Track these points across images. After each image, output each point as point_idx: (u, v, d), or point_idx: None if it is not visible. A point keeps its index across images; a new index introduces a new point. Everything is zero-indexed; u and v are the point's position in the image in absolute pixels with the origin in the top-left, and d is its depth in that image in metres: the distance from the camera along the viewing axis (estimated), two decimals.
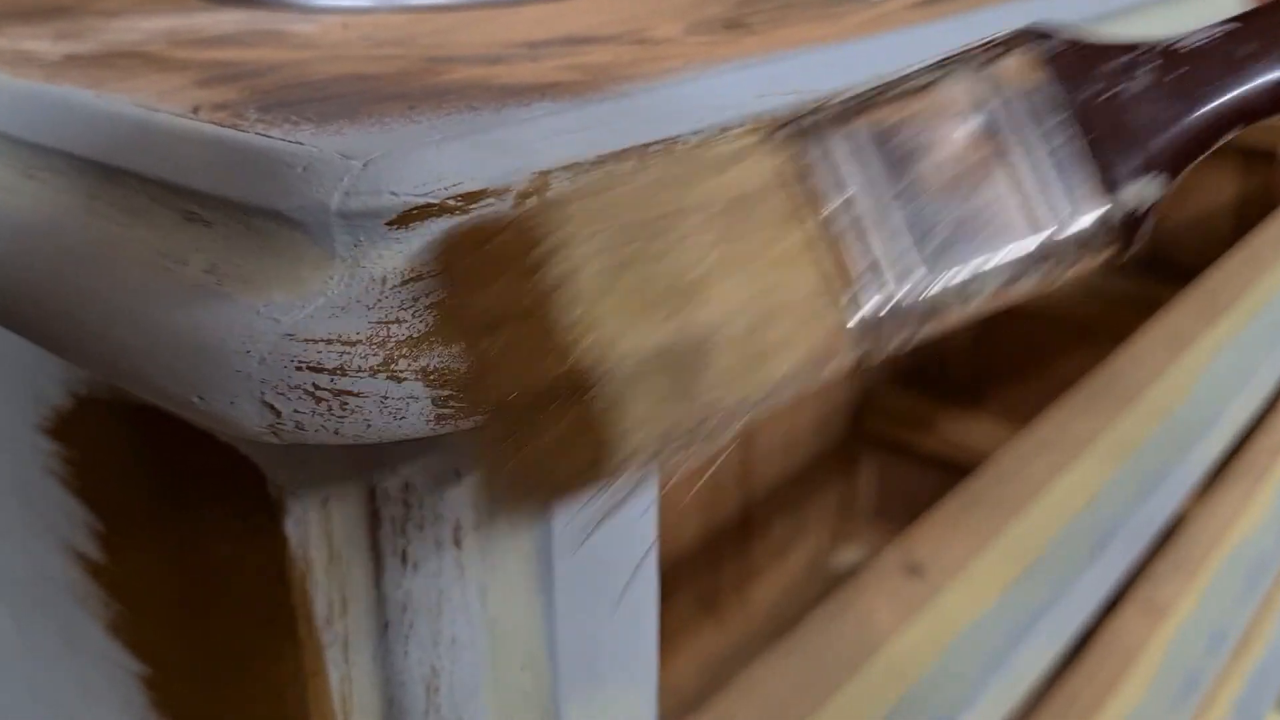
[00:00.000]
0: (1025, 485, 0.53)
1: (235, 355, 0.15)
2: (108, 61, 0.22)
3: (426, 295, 0.15)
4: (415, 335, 0.15)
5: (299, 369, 0.15)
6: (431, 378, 0.15)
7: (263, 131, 0.17)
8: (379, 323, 0.15)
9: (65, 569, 0.27)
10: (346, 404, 0.15)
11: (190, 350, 0.16)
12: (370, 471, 0.19)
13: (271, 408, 0.15)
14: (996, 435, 1.34)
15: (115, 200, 0.18)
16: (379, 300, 0.15)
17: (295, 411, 0.15)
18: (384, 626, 0.21)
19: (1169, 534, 0.87)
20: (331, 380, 0.15)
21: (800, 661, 0.43)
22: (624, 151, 0.18)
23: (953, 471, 1.44)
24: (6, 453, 0.28)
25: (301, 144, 0.16)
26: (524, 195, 0.17)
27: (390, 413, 0.15)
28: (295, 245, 0.16)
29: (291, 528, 0.20)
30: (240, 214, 0.16)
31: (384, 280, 0.16)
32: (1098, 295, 1.28)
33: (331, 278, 0.16)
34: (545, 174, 0.17)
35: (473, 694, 0.21)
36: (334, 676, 0.22)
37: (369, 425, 0.15)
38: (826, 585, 1.51)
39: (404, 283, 0.16)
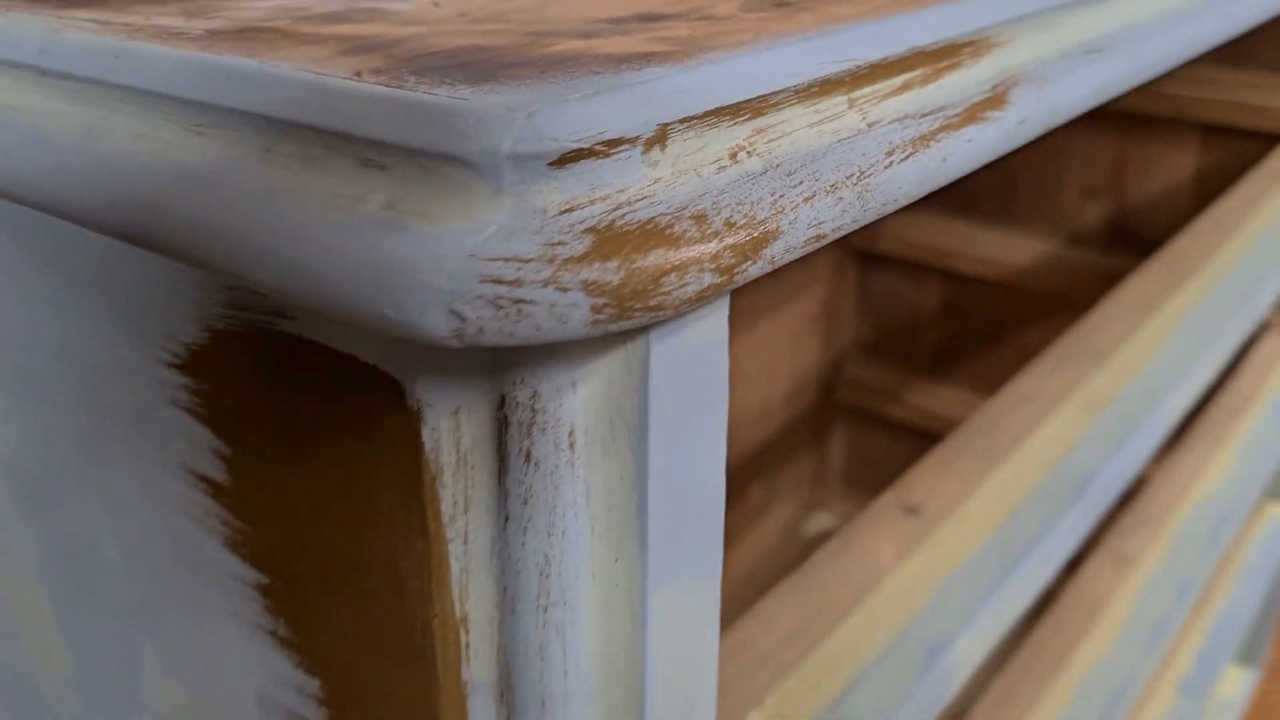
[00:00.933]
0: (1009, 435, 0.57)
1: (427, 272, 0.18)
2: (249, 35, 0.25)
3: (579, 223, 0.19)
4: (575, 255, 0.18)
5: (483, 281, 0.18)
6: (590, 288, 0.18)
7: (427, 90, 0.20)
8: (546, 244, 0.18)
9: (184, 492, 0.31)
10: (521, 310, 0.18)
11: (383, 270, 0.19)
12: (502, 383, 0.23)
13: (458, 315, 0.18)
14: (966, 404, 1.39)
15: (291, 151, 0.22)
16: (542, 226, 0.19)
17: (478, 318, 0.18)
18: (504, 520, 0.24)
19: (1136, 488, 0.92)
20: (510, 290, 0.18)
21: (810, 593, 0.47)
22: (723, 109, 0.22)
23: (923, 439, 1.49)
24: (127, 388, 0.31)
25: (466, 100, 0.20)
26: (649, 143, 0.20)
27: (556, 317, 0.18)
28: (468, 183, 0.19)
29: (427, 436, 0.23)
30: (417, 159, 0.20)
31: (544, 210, 0.19)
32: (1064, 268, 1.32)
33: (501, 209, 0.19)
34: (665, 125, 0.20)
35: (576, 580, 0.25)
36: (454, 568, 0.25)
37: (538, 328, 0.18)
38: (800, 551, 1.55)
39: (560, 213, 0.19)
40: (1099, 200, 1.34)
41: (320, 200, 0.21)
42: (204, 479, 0.30)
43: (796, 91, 0.24)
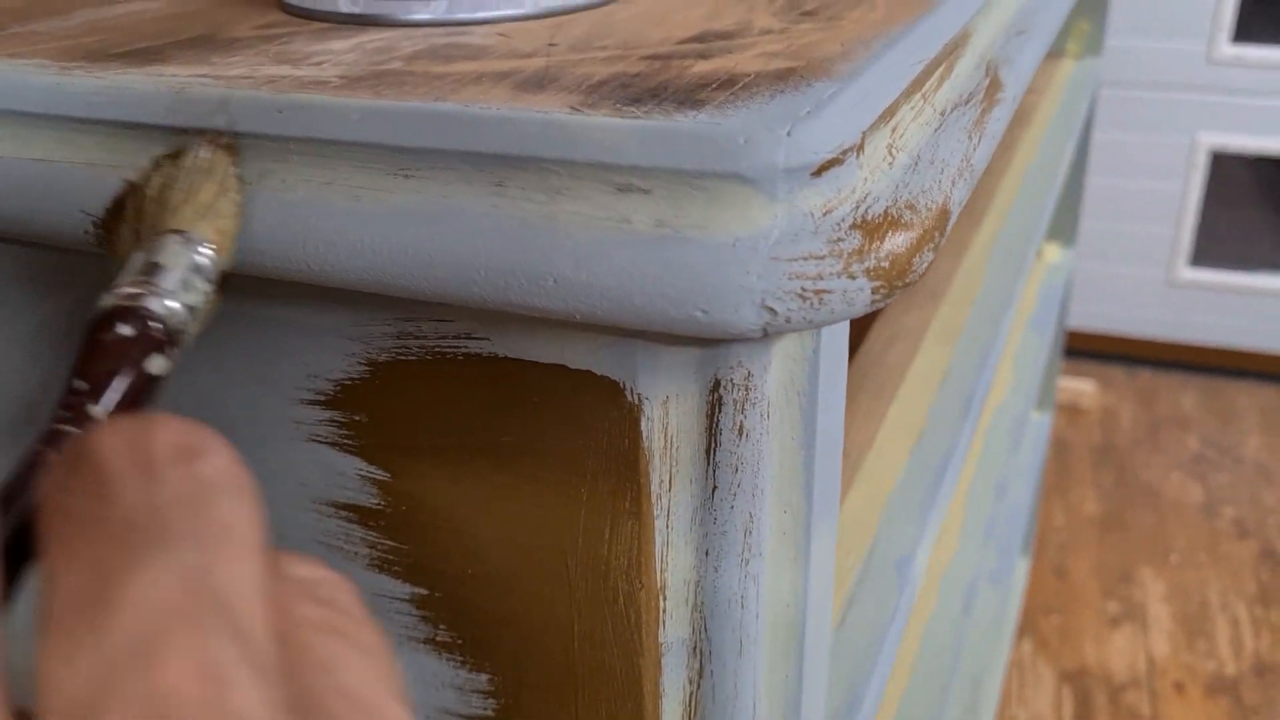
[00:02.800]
0: (891, 371, 0.64)
1: (737, 275, 0.21)
2: (385, 78, 0.27)
3: (843, 220, 0.22)
4: (855, 248, 0.22)
5: (791, 279, 0.21)
6: (871, 274, 0.22)
7: (665, 119, 0.23)
8: (830, 241, 0.22)
9: (315, 524, 0.32)
10: (823, 299, 0.22)
11: (688, 276, 0.22)
12: (717, 369, 0.26)
13: (770, 309, 0.22)
14: None
15: (528, 184, 0.24)
16: (818, 227, 0.22)
17: (787, 310, 0.22)
18: (712, 490, 0.27)
19: None
20: (814, 283, 0.22)
21: None
22: (883, 114, 0.26)
23: None
24: (242, 435, 0.31)
25: (721, 124, 0.23)
26: (858, 149, 0.24)
27: (847, 302, 0.22)
28: (745, 197, 0.22)
29: (644, 426, 0.26)
30: (685, 179, 0.23)
31: (813, 214, 0.22)
32: None
33: (778, 216, 0.22)
34: (864, 132, 0.24)
35: (767, 533, 0.28)
36: (658, 542, 0.28)
37: (833, 312, 0.22)
38: None
39: (824, 214, 0.22)
40: None
41: (580, 224, 0.23)
42: (346, 507, 0.31)
43: (903, 93, 0.28)
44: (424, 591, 0.31)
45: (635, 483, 0.27)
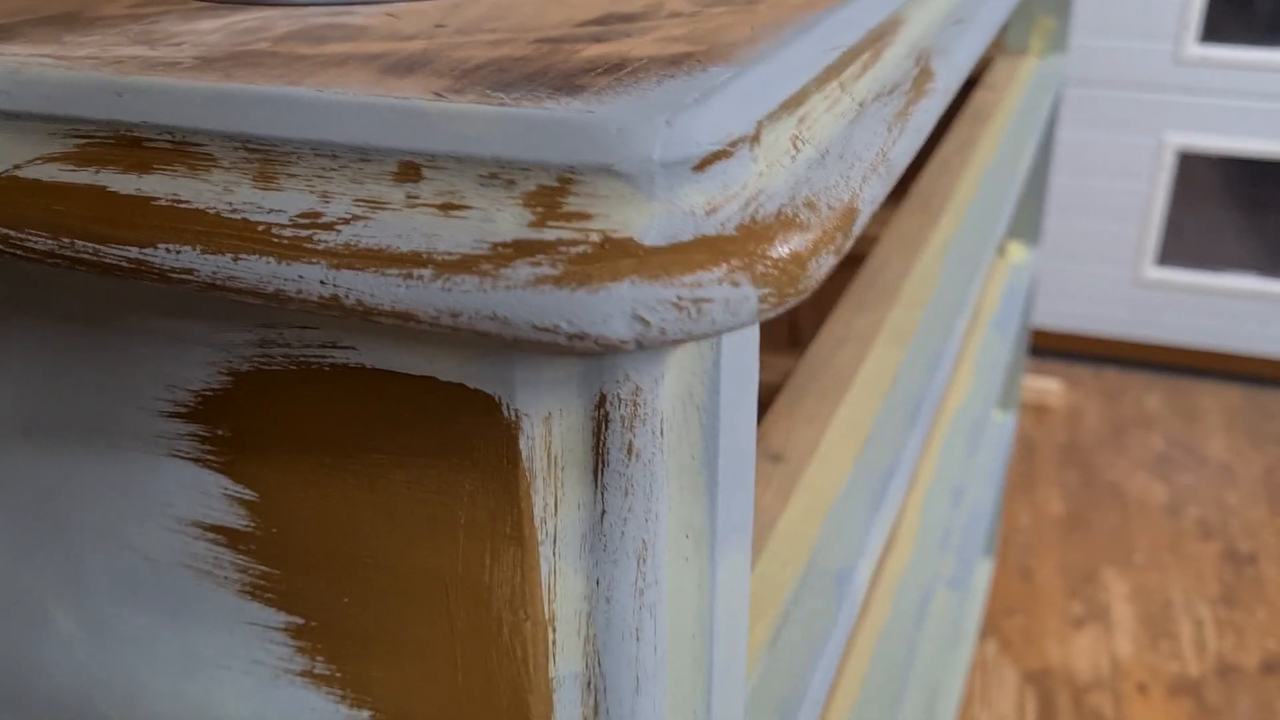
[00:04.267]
0: (839, 375, 0.62)
1: (609, 283, 0.19)
2: (243, 60, 0.24)
3: (728, 221, 0.20)
4: (738, 251, 0.20)
5: (665, 286, 0.19)
6: (759, 280, 0.20)
7: (535, 106, 0.21)
8: (711, 244, 0.20)
9: (182, 547, 0.29)
10: (701, 309, 0.19)
11: (549, 285, 0.19)
12: (602, 383, 0.23)
13: (642, 320, 0.19)
14: (776, 364, 1.46)
15: (380, 173, 0.21)
16: (698, 228, 0.20)
17: (662, 320, 0.19)
18: (600, 515, 0.25)
19: None
20: (691, 292, 0.19)
21: None
22: (785, 102, 0.23)
23: None
24: (102, 445, 0.29)
25: (593, 113, 0.20)
26: (751, 140, 0.21)
27: (730, 311, 0.20)
28: (616, 192, 0.20)
29: (524, 445, 0.24)
30: (550, 173, 0.20)
31: (694, 213, 0.20)
32: None
33: (654, 215, 0.20)
34: (759, 122, 0.22)
35: (664, 560, 0.26)
36: (544, 570, 0.26)
37: (714, 323, 0.20)
38: None
39: (708, 213, 0.20)
40: None
41: (432, 220, 0.21)
42: (213, 529, 0.28)
43: (814, 80, 0.26)
44: (299, 620, 0.29)
45: (516, 506, 0.24)
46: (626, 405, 0.24)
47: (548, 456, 0.24)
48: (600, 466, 0.24)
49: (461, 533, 0.25)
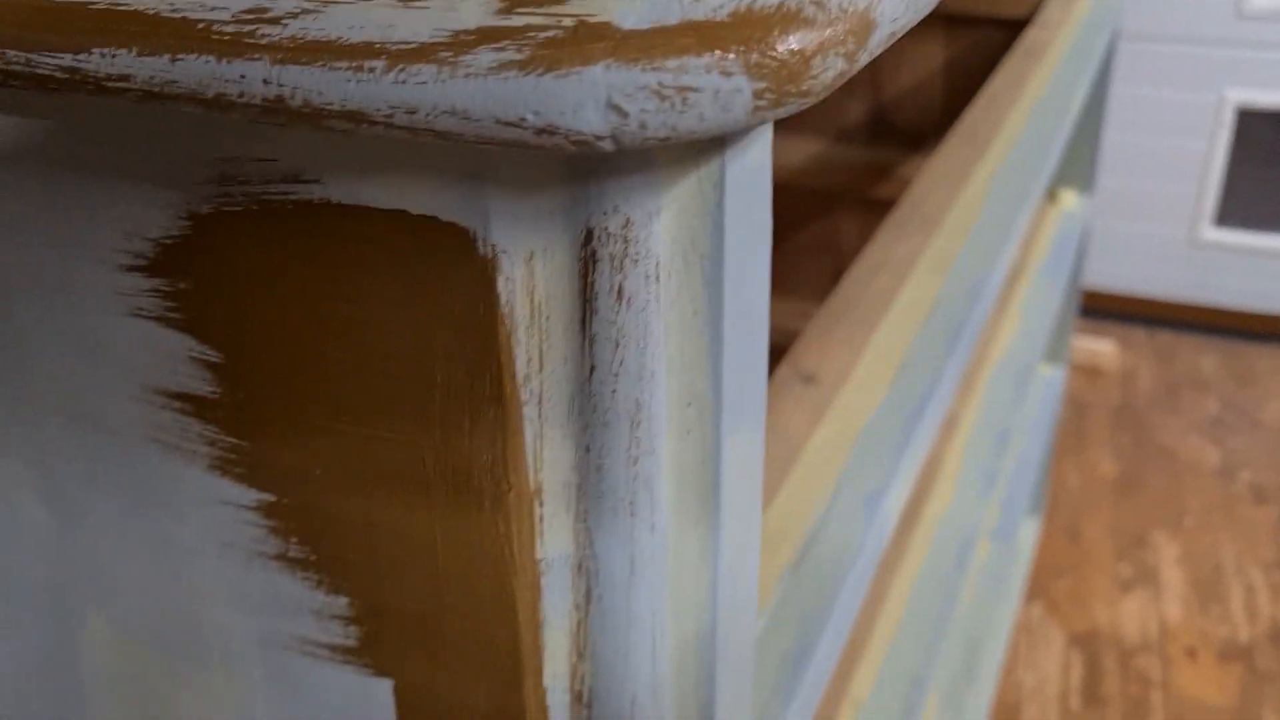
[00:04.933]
0: (877, 300, 0.59)
1: (580, 67, 0.17)
2: None
3: (723, 6, 0.17)
4: (733, 38, 0.17)
5: (645, 70, 0.17)
6: (754, 71, 0.17)
7: None
8: (700, 27, 0.17)
9: (147, 417, 0.27)
10: (687, 99, 0.17)
11: (518, 71, 0.17)
12: (589, 215, 0.21)
13: (619, 110, 0.17)
14: (793, 310, 1.43)
15: None
16: (686, 11, 0.17)
17: (641, 111, 0.17)
18: (589, 370, 0.22)
19: None
20: (675, 78, 0.17)
21: None
22: None
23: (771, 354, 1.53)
24: (61, 306, 0.27)
25: None
26: None
27: (721, 105, 0.17)
28: None
29: (503, 286, 0.21)
30: None
31: None
32: (833, 164, 1.38)
33: None
34: None
35: (662, 426, 0.23)
36: (529, 434, 0.23)
37: (702, 117, 0.17)
38: None
39: None
40: (858, 97, 1.40)
41: (389, 11, 0.18)
42: (179, 396, 0.26)
43: None
44: (271, 497, 0.27)
45: (495, 359, 0.22)
46: (616, 241, 0.21)
47: (530, 303, 0.22)
48: (588, 314, 0.22)
49: (438, 393, 0.23)
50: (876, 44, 0.20)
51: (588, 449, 0.23)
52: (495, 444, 0.23)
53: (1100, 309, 2.40)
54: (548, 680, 0.26)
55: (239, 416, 0.26)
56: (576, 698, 0.26)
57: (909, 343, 0.56)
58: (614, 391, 0.22)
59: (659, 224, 0.21)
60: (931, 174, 0.75)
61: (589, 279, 0.21)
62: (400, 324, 0.23)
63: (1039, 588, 1.70)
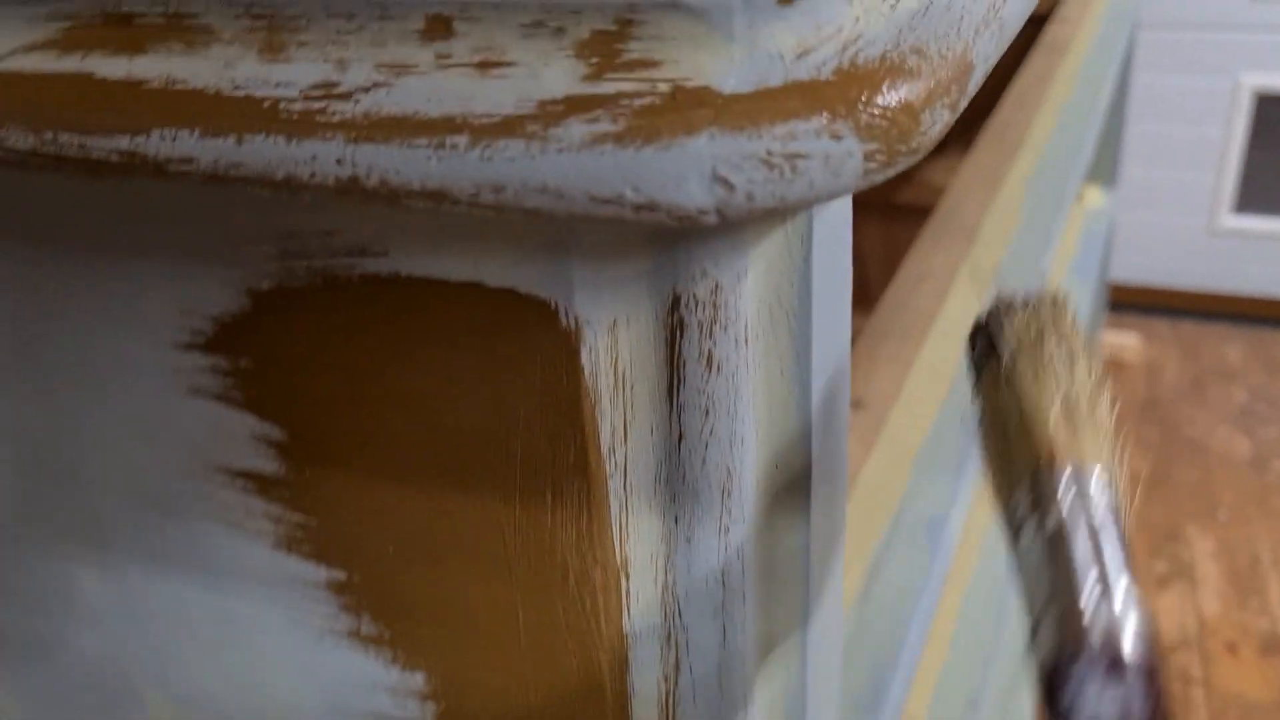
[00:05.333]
0: (919, 314, 0.58)
1: (683, 137, 0.16)
2: None
3: (825, 64, 0.16)
4: (839, 98, 0.16)
5: (751, 139, 0.16)
6: (864, 132, 0.16)
7: None
8: (807, 90, 0.16)
9: (211, 495, 0.26)
10: (796, 167, 0.16)
11: (614, 146, 0.16)
12: (675, 280, 0.20)
13: (724, 181, 0.16)
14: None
15: (406, 26, 0.18)
16: (790, 71, 0.16)
17: (750, 181, 0.16)
18: (678, 439, 0.21)
19: None
20: (783, 145, 0.16)
21: None
22: None
23: None
24: (116, 386, 0.26)
25: None
26: None
27: (831, 171, 0.16)
28: (688, 32, 0.16)
29: (586, 357, 0.20)
30: (607, 12, 0.17)
31: (783, 55, 0.16)
32: None
33: (734, 57, 0.16)
34: None
35: (752, 492, 0.22)
36: (614, 506, 0.22)
37: (812, 185, 0.16)
38: None
39: (799, 56, 0.16)
40: None
41: (467, 81, 0.17)
42: (242, 474, 0.25)
43: None
44: (341, 575, 0.26)
45: (580, 431, 0.21)
46: (705, 308, 0.20)
47: (614, 372, 0.21)
48: (676, 382, 0.21)
49: (519, 468, 0.22)
50: (974, 84, 0.19)
51: (676, 520, 0.22)
52: (580, 518, 0.22)
53: (1122, 302, 2.38)
54: None
55: (305, 493, 0.25)
56: None
57: (956, 359, 0.55)
58: (704, 461, 0.21)
59: (746, 285, 0.20)
60: (965, 180, 0.74)
61: (675, 347, 0.20)
62: (476, 397, 0.22)
63: None
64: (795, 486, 0.23)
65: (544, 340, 0.20)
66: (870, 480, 0.47)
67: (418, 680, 0.26)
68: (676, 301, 0.20)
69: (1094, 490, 0.21)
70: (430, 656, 0.26)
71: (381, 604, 0.25)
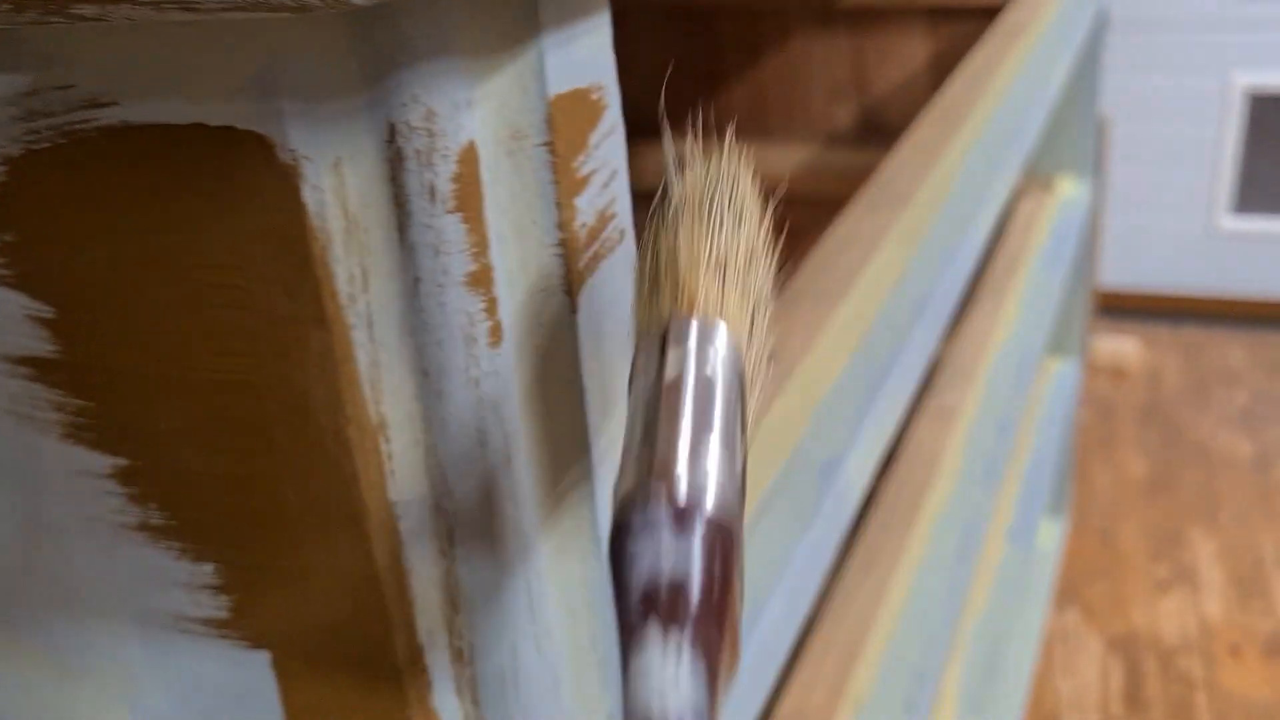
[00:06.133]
0: (841, 276, 0.57)
1: None
2: None
3: None
4: None
5: None
6: None
7: None
8: None
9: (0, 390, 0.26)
10: None
11: None
12: (389, 109, 0.19)
13: None
14: None
15: None
16: None
17: None
18: (414, 283, 0.21)
19: (942, 349, 0.96)
20: None
21: None
22: None
23: None
24: None
25: None
26: None
27: None
28: None
29: (309, 195, 0.20)
30: None
31: None
32: (822, 171, 1.36)
33: None
34: None
35: (506, 338, 0.22)
36: (362, 360, 0.22)
37: None
38: None
39: None
40: (845, 100, 1.38)
41: None
42: (22, 361, 0.25)
43: None
44: (124, 462, 0.25)
45: (314, 279, 0.21)
46: (420, 135, 0.20)
47: (345, 214, 0.20)
48: (404, 220, 0.20)
49: (263, 321, 0.22)
50: None
51: (426, 373, 0.22)
52: (327, 373, 0.21)
53: (1120, 307, 2.36)
54: (423, 637, 0.24)
55: (83, 376, 0.24)
56: (457, 655, 0.24)
57: (875, 313, 0.54)
58: (442, 305, 0.21)
59: (471, 117, 0.20)
60: (902, 151, 0.74)
61: (399, 181, 0.20)
62: (218, 249, 0.21)
63: (1073, 593, 1.66)
64: (559, 333, 0.23)
65: (266, 178, 0.20)
66: (766, 427, 0.46)
67: (207, 572, 0.25)
68: (393, 132, 0.20)
69: (719, 347, 0.20)
70: (216, 545, 0.25)
71: (166, 491, 0.25)
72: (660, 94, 1.39)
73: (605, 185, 0.23)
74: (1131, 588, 1.70)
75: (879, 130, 1.36)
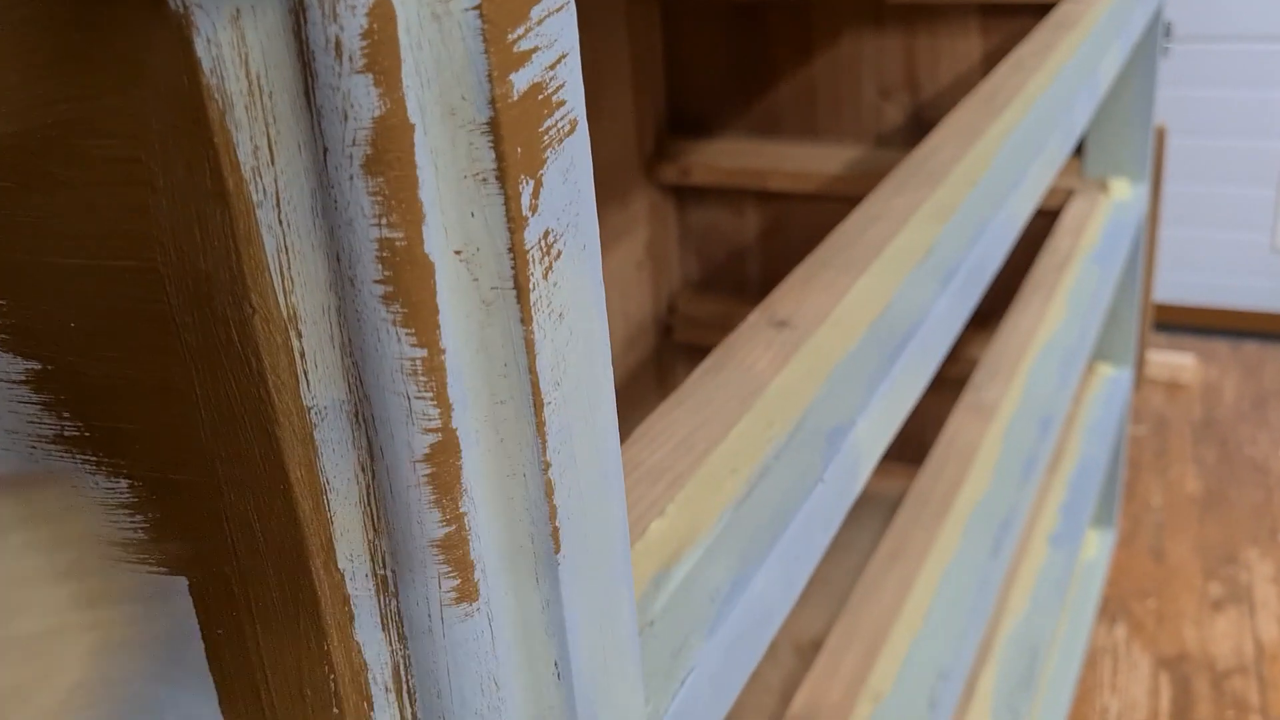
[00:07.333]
0: (867, 248, 0.55)
1: None
2: None
3: None
4: None
5: None
6: None
7: None
8: None
9: None
10: None
11: None
12: None
13: None
14: None
15: None
16: None
17: None
18: (324, 156, 0.19)
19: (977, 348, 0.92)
20: None
21: (693, 408, 0.42)
22: None
23: None
24: None
25: None
26: None
27: None
28: None
29: (203, 51, 0.18)
30: None
31: None
32: (872, 170, 1.33)
33: None
34: None
35: (427, 219, 0.20)
36: (269, 243, 0.20)
37: None
38: None
39: None
40: (896, 99, 1.35)
41: None
42: None
43: None
44: (37, 366, 0.23)
45: (210, 145, 0.19)
46: None
47: (246, 75, 0.18)
48: (310, 83, 0.18)
49: (162, 197, 0.20)
50: None
51: (338, 259, 0.20)
52: (229, 256, 0.19)
53: (1179, 323, 2.30)
54: (343, 563, 0.22)
55: None
56: (381, 583, 0.22)
57: (898, 284, 0.51)
58: (351, 179, 0.19)
59: None
60: (941, 131, 0.71)
61: (303, 36, 0.18)
62: (114, 117, 0.19)
63: (1123, 610, 1.60)
64: (486, 212, 0.20)
65: (160, 36, 0.18)
66: (776, 391, 0.44)
67: (123, 489, 0.24)
68: None
69: None
70: (129, 457, 0.23)
71: (77, 398, 0.23)
72: (712, 89, 1.37)
73: (550, 67, 0.21)
74: (1184, 606, 1.64)
75: (928, 130, 1.32)
